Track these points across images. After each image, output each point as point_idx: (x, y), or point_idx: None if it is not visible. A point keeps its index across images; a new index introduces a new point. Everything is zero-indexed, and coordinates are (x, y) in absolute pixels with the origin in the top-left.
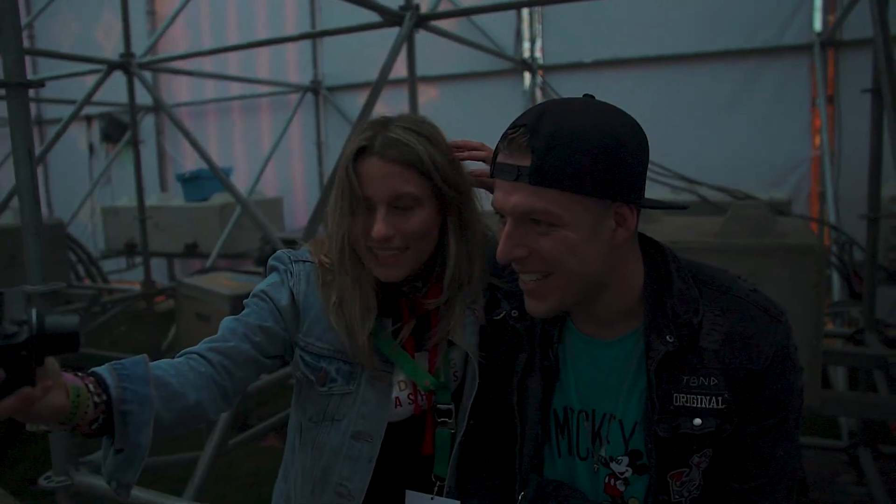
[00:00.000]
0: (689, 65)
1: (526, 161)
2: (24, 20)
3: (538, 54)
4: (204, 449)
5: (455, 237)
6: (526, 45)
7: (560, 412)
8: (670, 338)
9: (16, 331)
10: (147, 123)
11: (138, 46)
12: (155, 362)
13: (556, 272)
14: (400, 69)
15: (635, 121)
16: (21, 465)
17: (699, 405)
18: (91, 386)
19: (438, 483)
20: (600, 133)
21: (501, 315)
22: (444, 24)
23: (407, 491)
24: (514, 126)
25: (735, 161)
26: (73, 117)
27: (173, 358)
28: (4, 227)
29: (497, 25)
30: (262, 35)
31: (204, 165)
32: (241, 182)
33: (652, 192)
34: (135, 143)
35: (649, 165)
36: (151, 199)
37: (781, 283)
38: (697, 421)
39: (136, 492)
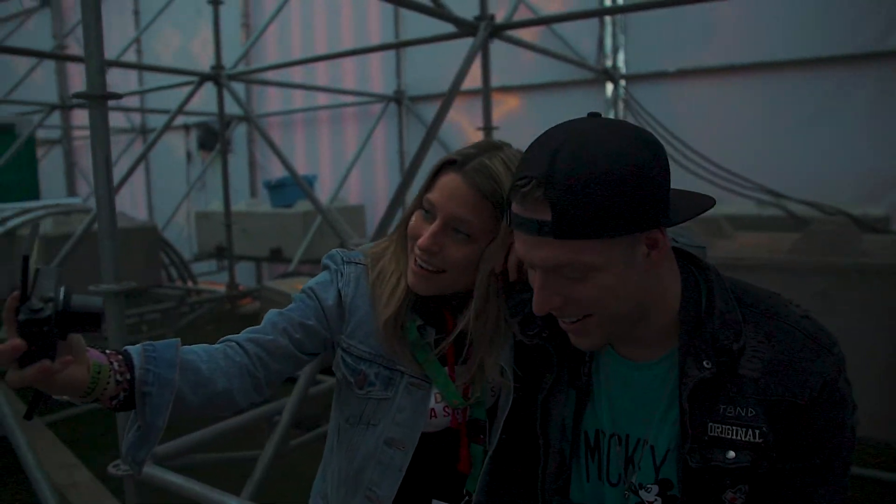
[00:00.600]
0: (780, 72)
1: (546, 215)
2: (131, 35)
3: (620, 63)
4: (264, 448)
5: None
6: (608, 54)
7: (591, 434)
8: (708, 363)
9: (42, 307)
10: (239, 132)
11: (233, 59)
12: (190, 347)
13: (596, 313)
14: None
15: (650, 134)
16: (111, 451)
17: (734, 437)
18: (116, 364)
19: (467, 497)
20: (619, 164)
21: (535, 332)
22: (523, 33)
23: (434, 501)
24: (525, 177)
25: (829, 174)
26: (167, 127)
27: (212, 344)
28: (95, 231)
29: (578, 34)
30: (348, 46)
31: None
32: (326, 190)
33: (737, 204)
34: (223, 152)
35: (733, 177)
36: (240, 205)
37: (855, 305)
38: (731, 454)
39: (193, 485)
